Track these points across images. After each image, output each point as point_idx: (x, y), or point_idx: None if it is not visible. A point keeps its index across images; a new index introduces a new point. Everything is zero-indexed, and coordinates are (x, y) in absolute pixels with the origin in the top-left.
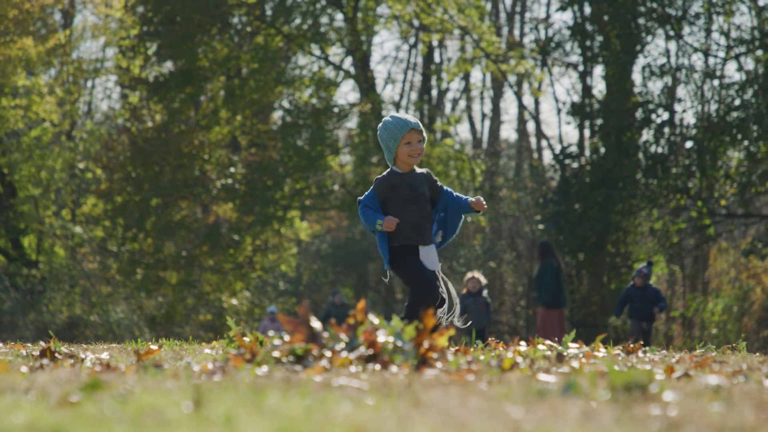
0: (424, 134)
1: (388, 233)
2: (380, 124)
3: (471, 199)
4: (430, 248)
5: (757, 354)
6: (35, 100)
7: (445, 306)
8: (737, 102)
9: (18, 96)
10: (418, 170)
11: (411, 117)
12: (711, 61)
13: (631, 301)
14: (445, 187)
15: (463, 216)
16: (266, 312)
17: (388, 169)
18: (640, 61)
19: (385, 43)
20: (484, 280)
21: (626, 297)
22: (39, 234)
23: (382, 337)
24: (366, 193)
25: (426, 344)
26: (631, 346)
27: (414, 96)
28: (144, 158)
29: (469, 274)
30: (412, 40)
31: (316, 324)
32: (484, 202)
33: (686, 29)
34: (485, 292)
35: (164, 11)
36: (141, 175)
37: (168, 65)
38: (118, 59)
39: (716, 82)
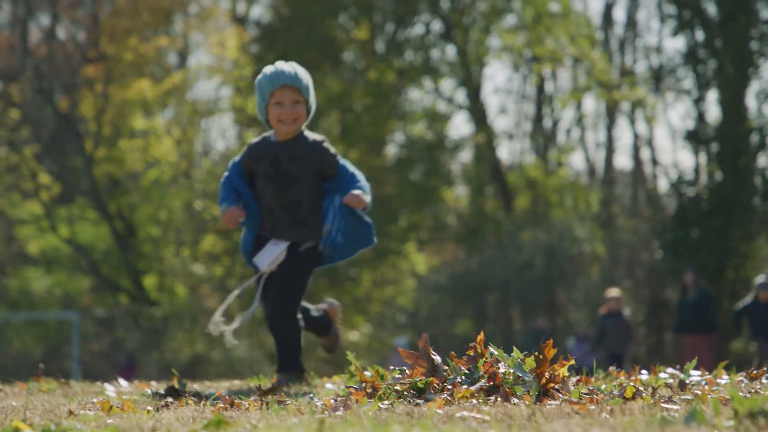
0: (307, 94)
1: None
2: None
3: (351, 191)
4: (279, 245)
5: None
6: (153, 142)
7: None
8: None
9: (136, 138)
10: (311, 138)
11: (291, 68)
12: None
13: (754, 319)
14: (346, 167)
15: (362, 215)
16: (393, 345)
17: (262, 135)
18: (755, 85)
19: (497, 75)
20: (622, 300)
21: (744, 312)
22: (160, 273)
23: (502, 369)
24: (234, 158)
25: (547, 375)
26: (754, 372)
27: (527, 126)
28: None
29: (609, 294)
30: (524, 71)
31: (436, 357)
32: (364, 197)
33: None
34: (626, 313)
35: (277, 49)
36: None
37: None
38: (233, 98)
39: None
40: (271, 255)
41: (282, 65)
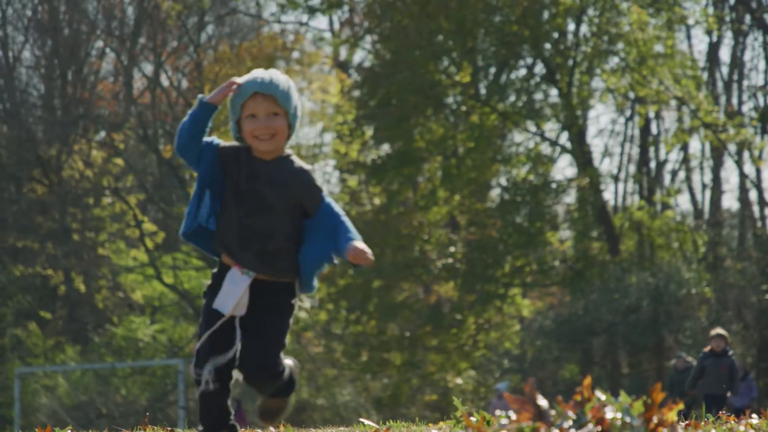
0: (286, 103)
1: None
2: None
3: (351, 243)
4: (244, 279)
5: None
6: None
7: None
8: None
9: None
10: (297, 164)
11: (268, 75)
12: None
13: None
14: (330, 203)
15: (332, 256)
16: (495, 389)
17: (242, 144)
18: None
19: (601, 117)
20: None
21: None
22: None
23: (609, 414)
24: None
25: (655, 419)
26: None
27: (632, 168)
28: (365, 241)
29: (714, 331)
30: (628, 113)
31: (542, 402)
32: (369, 254)
33: None
34: (731, 353)
35: (380, 94)
36: None
37: (385, 147)
38: (335, 144)
39: None
40: (234, 295)
41: (258, 72)
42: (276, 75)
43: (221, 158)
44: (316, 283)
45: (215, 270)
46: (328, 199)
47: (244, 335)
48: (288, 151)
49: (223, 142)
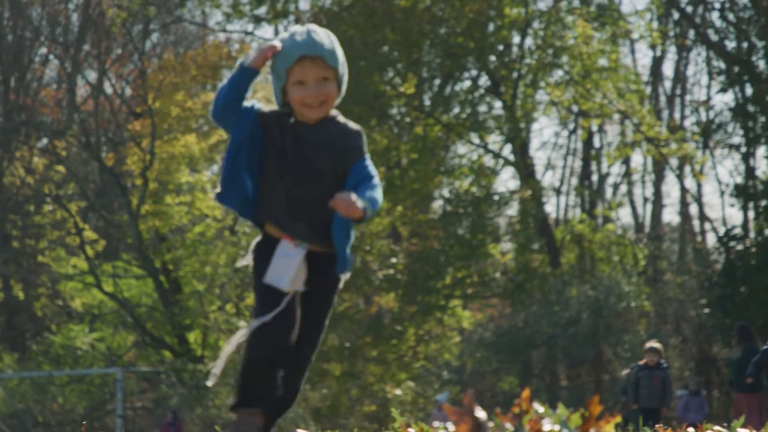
0: (336, 63)
1: (262, 194)
2: None
3: (340, 196)
4: (298, 251)
5: None
6: (198, 197)
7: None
8: None
9: (182, 193)
10: (340, 124)
11: (309, 33)
12: None
13: None
14: (366, 164)
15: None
16: (434, 401)
17: (283, 109)
18: None
19: (545, 130)
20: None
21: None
22: (204, 329)
23: (547, 426)
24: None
25: None
26: None
27: (574, 181)
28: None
29: (648, 345)
30: (571, 126)
31: (481, 413)
32: (357, 201)
33: None
34: (665, 366)
35: None
36: None
37: None
38: None
39: None
40: (289, 268)
41: (298, 30)
42: (317, 31)
43: (263, 124)
44: (350, 256)
45: (258, 240)
46: (367, 162)
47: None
48: (333, 112)
49: (264, 107)
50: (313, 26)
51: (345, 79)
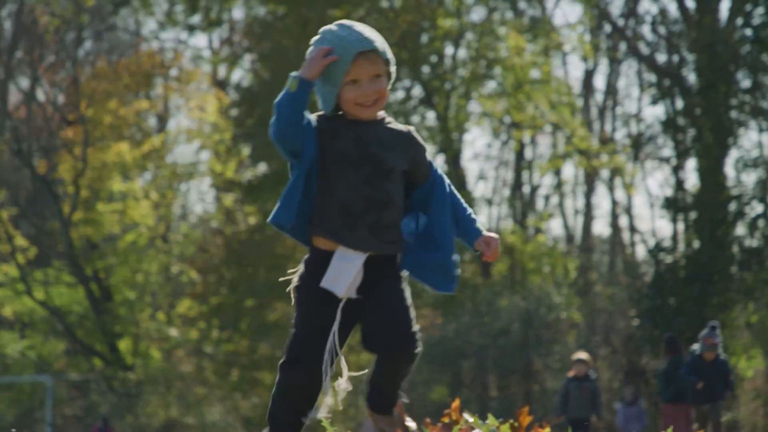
0: (386, 58)
1: (319, 194)
2: (317, 37)
3: (484, 233)
4: (357, 256)
5: None
6: (131, 205)
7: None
8: None
9: (114, 201)
10: (392, 123)
11: (366, 29)
12: None
13: (699, 378)
14: (438, 171)
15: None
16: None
17: (323, 113)
18: (734, 153)
19: (477, 140)
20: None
21: (690, 371)
22: (135, 337)
23: None
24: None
25: None
26: None
27: (506, 192)
28: (238, 260)
29: (575, 356)
30: (503, 137)
31: (411, 423)
32: (497, 246)
33: None
34: (593, 377)
35: (257, 114)
36: (235, 277)
37: (262, 167)
38: (212, 162)
39: None
40: (349, 273)
41: (346, 24)
42: (358, 25)
43: (319, 134)
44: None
45: (307, 257)
46: (436, 169)
47: (365, 312)
48: (381, 112)
49: (313, 116)
50: (348, 21)
51: (393, 76)
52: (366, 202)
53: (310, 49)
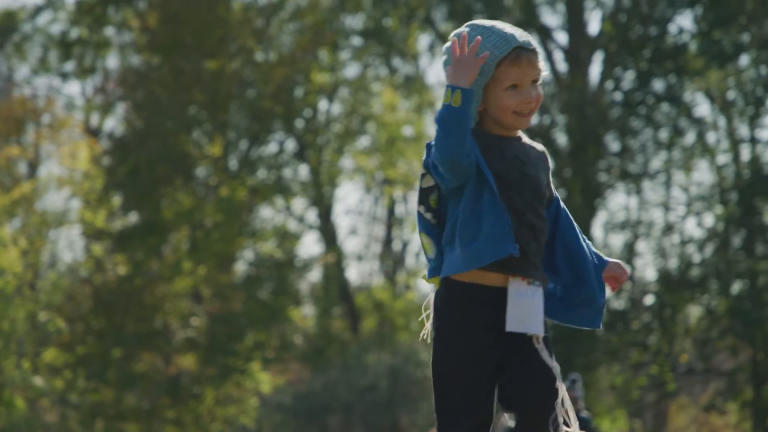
0: (542, 68)
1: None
2: (450, 44)
3: (612, 261)
4: (534, 288)
5: None
6: None
7: None
8: (697, 258)
9: None
10: (527, 140)
11: (518, 31)
12: (671, 216)
13: None
14: (557, 196)
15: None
16: None
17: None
18: (601, 216)
19: (349, 195)
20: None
21: None
22: None
23: None
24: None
25: None
26: None
27: (377, 248)
28: (106, 310)
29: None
30: (375, 193)
31: None
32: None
33: (647, 184)
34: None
35: (129, 163)
36: (103, 327)
37: (132, 217)
38: (82, 210)
39: (676, 238)
40: (535, 308)
41: (502, 25)
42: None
43: (482, 152)
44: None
45: (442, 296)
46: (557, 194)
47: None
48: None
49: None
50: (517, 28)
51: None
52: (529, 230)
53: (444, 58)
